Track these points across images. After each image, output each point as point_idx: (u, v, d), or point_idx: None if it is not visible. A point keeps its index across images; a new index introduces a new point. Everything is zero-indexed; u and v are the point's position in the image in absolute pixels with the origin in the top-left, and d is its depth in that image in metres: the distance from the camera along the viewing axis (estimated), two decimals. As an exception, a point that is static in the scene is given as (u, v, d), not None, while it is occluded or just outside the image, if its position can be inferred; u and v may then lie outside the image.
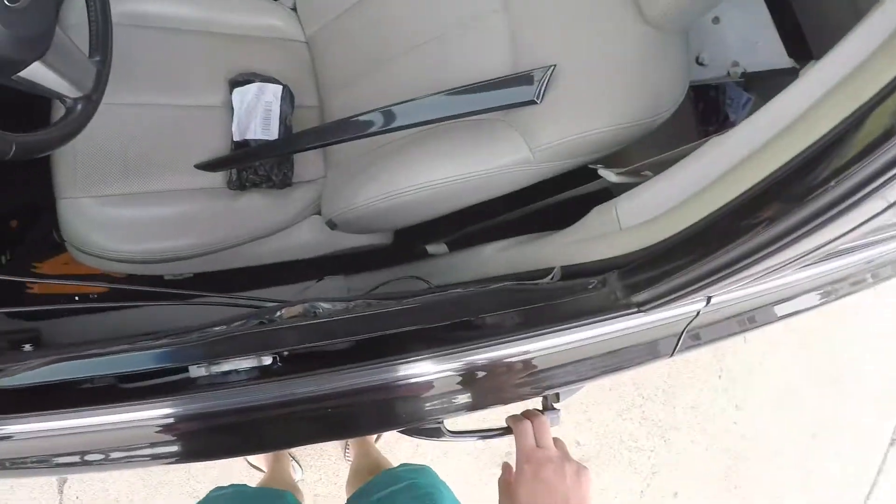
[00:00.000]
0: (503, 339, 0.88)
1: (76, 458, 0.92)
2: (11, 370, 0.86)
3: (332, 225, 1.33)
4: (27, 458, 0.91)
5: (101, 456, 0.92)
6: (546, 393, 1.02)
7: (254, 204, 1.35)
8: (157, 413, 0.86)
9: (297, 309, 0.91)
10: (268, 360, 0.86)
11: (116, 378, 0.88)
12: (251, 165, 1.34)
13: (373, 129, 1.19)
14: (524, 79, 1.09)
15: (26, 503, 2.10)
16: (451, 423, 1.00)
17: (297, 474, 2.12)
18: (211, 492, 1.26)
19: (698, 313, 0.95)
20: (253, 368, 0.86)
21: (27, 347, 1.02)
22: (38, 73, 0.92)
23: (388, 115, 1.17)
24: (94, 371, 0.86)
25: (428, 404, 0.93)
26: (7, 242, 1.62)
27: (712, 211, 0.77)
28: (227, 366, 0.86)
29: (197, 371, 0.86)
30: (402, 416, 0.95)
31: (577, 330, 0.89)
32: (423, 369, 0.87)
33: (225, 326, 0.88)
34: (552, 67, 1.07)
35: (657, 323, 0.94)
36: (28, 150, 0.89)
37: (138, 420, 0.87)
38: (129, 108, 1.30)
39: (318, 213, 1.42)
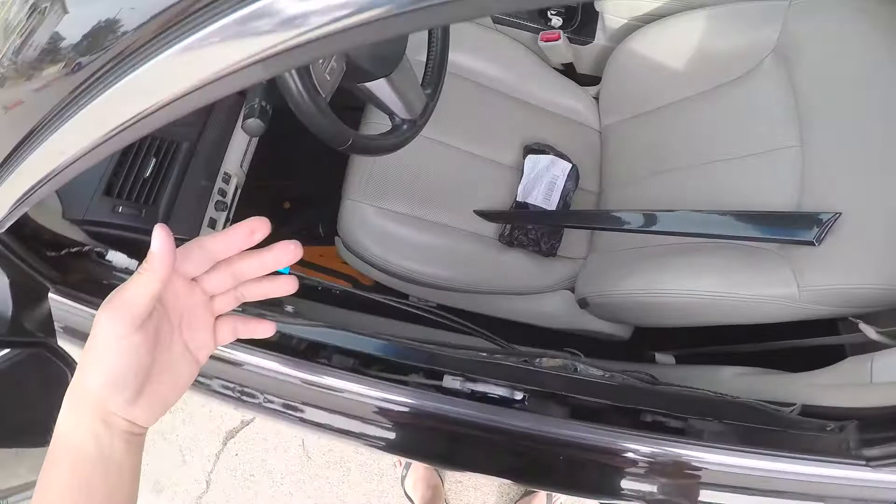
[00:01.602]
0: (731, 448, 0.89)
1: (283, 406, 1.03)
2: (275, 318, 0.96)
3: (583, 304, 1.41)
4: (243, 387, 1.02)
5: (316, 414, 1.02)
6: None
7: (516, 262, 1.46)
8: (391, 397, 0.95)
9: (558, 361, 0.97)
10: (519, 396, 0.94)
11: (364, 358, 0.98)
12: (524, 227, 1.45)
13: (650, 228, 1.27)
14: (807, 219, 1.11)
15: (188, 441, 2.33)
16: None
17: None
18: None
19: None
20: (502, 398, 0.94)
21: (289, 308, 1.14)
22: (381, 88, 1.08)
23: (669, 218, 1.25)
24: (362, 347, 0.96)
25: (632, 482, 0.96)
26: (275, 220, 1.79)
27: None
28: (481, 386, 0.94)
29: (451, 382, 0.94)
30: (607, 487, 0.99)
31: (802, 464, 0.88)
32: (652, 449, 0.91)
33: (486, 354, 0.96)
34: (838, 215, 1.08)
35: (875, 483, 0.89)
36: (359, 148, 1.04)
37: (370, 396, 0.96)
38: (433, 143, 1.49)
39: (570, 289, 1.49)
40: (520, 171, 1.51)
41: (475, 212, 1.46)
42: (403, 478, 2.16)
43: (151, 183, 1.10)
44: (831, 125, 1.17)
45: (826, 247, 1.08)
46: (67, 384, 0.53)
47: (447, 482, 2.21)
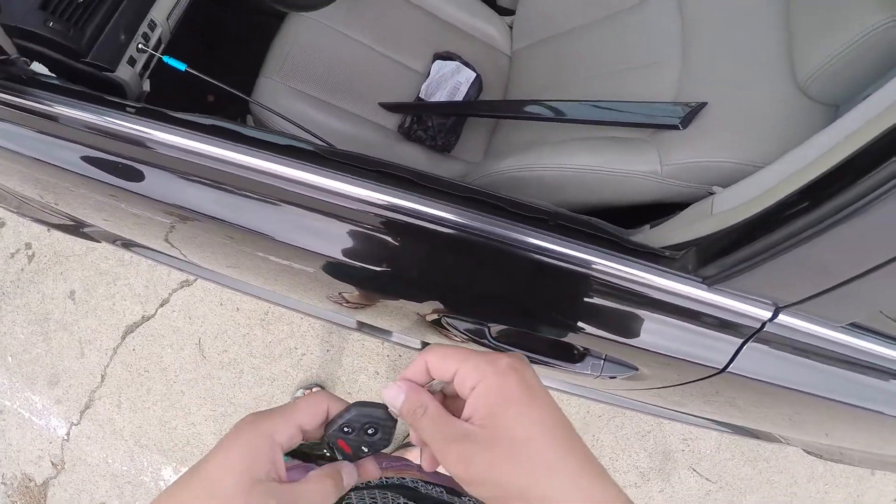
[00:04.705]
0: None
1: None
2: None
3: (467, 188, 1.54)
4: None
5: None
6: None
7: (410, 155, 1.55)
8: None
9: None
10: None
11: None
12: (424, 123, 1.55)
13: (536, 115, 1.39)
14: (675, 107, 1.24)
15: (89, 333, 2.41)
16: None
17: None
18: None
19: (763, 325, 0.95)
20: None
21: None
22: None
23: (553, 108, 1.37)
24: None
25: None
26: (202, 112, 1.91)
27: (787, 194, 0.82)
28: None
29: None
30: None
31: (637, 266, 0.94)
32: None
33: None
34: (703, 104, 1.21)
35: (718, 308, 0.94)
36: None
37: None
38: (348, 38, 1.59)
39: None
40: (426, 77, 1.61)
41: (379, 104, 1.56)
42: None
43: (84, 8, 1.20)
44: (708, 43, 1.32)
45: (690, 130, 1.19)
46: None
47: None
